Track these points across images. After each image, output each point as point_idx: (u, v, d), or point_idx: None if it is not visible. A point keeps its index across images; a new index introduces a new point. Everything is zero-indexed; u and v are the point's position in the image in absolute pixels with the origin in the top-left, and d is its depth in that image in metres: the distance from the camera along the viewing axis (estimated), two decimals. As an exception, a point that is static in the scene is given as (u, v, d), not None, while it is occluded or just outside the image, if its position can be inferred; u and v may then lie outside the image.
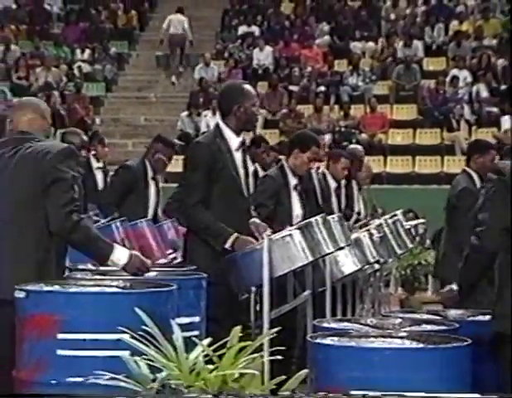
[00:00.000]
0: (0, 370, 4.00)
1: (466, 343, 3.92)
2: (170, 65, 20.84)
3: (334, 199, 8.29)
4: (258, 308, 5.04)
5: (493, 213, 4.40)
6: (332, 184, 8.25)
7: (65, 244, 4.33)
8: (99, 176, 9.52)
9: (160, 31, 21.07)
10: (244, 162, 5.45)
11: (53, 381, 3.68)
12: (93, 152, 9.43)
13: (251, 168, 5.60)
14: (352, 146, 10.85)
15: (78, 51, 20.98)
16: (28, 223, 4.20)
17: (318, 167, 7.93)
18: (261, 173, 8.15)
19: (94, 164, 9.48)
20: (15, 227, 4.21)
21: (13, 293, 3.85)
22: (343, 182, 8.52)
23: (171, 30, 20.57)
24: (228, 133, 5.35)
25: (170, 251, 6.96)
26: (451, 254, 6.67)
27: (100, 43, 21.10)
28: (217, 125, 5.44)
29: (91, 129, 17.15)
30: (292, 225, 5.28)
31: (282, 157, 7.11)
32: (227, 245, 5.15)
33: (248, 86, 5.56)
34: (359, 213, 9.19)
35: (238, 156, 5.39)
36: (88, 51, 20.93)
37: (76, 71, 20.25)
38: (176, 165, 15.68)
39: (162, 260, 6.63)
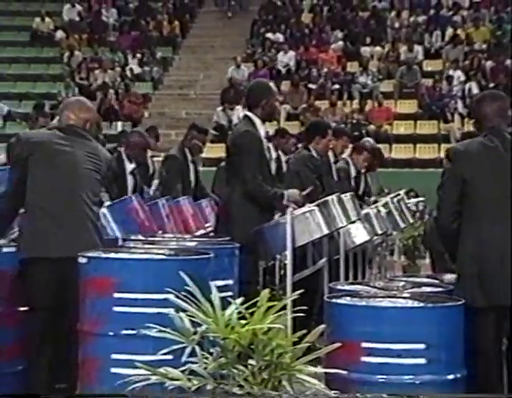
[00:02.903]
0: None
1: (459, 303, 3.91)
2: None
3: (353, 185, 8.12)
4: (282, 273, 5.03)
5: (443, 195, 4.10)
6: (353, 172, 7.91)
7: None
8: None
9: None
10: (268, 148, 5.41)
11: (110, 333, 3.70)
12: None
13: (274, 154, 5.57)
14: (365, 139, 10.12)
15: (130, 56, 21.00)
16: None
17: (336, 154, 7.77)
18: (283, 158, 8.13)
19: (149, 153, 9.29)
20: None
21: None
22: (363, 171, 8.25)
23: None
24: (258, 123, 5.25)
25: (208, 224, 6.95)
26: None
27: (148, 49, 21.10)
28: (247, 116, 5.29)
29: (141, 122, 17.19)
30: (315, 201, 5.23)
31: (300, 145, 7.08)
32: (284, 201, 5.08)
33: (272, 85, 5.55)
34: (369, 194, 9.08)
35: (265, 142, 5.35)
36: (138, 56, 20.94)
37: (128, 73, 20.28)
38: (212, 151, 15.83)
39: (201, 232, 6.62)
